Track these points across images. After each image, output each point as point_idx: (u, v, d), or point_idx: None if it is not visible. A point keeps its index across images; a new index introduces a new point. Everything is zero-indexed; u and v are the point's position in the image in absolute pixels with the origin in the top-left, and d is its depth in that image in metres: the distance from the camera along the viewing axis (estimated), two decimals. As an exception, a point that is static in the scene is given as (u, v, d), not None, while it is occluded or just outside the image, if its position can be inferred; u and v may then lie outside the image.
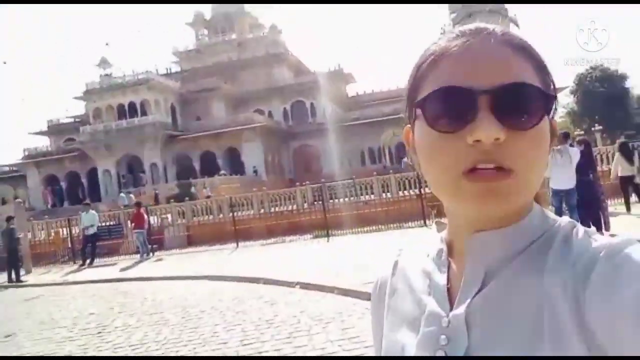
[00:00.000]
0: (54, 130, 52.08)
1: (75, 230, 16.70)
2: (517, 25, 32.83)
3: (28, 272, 14.59)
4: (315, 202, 16.99)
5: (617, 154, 11.11)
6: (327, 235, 14.18)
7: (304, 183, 18.70)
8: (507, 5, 34.46)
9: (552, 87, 0.57)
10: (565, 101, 48.09)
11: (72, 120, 52.03)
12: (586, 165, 8.03)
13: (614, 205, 11.25)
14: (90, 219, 15.24)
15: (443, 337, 0.57)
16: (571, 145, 8.11)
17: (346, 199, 17.12)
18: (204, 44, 59.17)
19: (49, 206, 40.79)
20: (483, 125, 0.51)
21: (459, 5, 33.59)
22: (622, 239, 0.50)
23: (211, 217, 18.02)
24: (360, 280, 7.22)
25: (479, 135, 0.51)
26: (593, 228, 0.57)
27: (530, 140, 0.52)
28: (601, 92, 43.76)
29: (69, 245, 16.83)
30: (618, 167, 10.86)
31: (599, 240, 0.53)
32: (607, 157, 14.22)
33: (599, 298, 0.47)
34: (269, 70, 52.71)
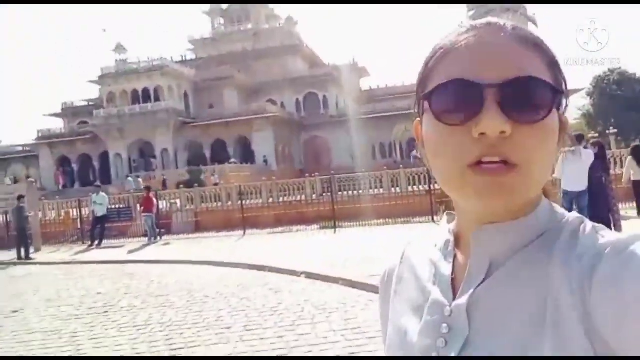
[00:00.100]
0: (68, 112, 52.48)
1: (85, 212, 16.86)
2: (535, 24, 32.49)
3: (37, 250, 14.76)
4: (324, 194, 17.00)
5: (629, 158, 10.98)
6: (335, 227, 14.20)
7: (313, 174, 18.71)
8: (526, 5, 34.10)
9: (563, 82, 0.56)
10: (581, 103, 47.66)
11: (86, 103, 52.41)
12: (599, 168, 7.95)
13: (625, 209, 11.14)
14: (100, 200, 15.38)
15: (445, 325, 0.57)
16: (585, 147, 8.03)
17: (355, 192, 17.10)
18: (219, 33, 59.19)
19: (60, 187, 41.19)
20: (488, 118, 0.50)
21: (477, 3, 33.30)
22: (630, 236, 0.50)
23: (220, 204, 18.09)
24: (366, 273, 7.23)
25: (484, 128, 0.50)
26: (601, 225, 0.56)
27: (537, 135, 0.52)
28: (618, 95, 43.25)
29: (79, 226, 17.00)
30: (630, 172, 10.74)
31: (607, 236, 0.52)
32: (621, 161, 14.07)
33: (605, 294, 0.47)
34: (283, 61, 52.63)
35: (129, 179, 30.21)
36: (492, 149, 0.51)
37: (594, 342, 0.47)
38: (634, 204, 11.13)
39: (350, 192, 17.12)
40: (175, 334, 5.58)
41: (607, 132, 31.57)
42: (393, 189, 16.77)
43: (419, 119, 0.61)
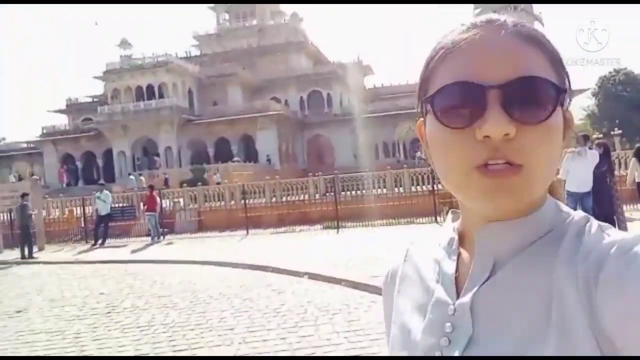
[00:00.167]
0: (73, 108, 52.56)
1: (89, 210, 16.90)
2: (541, 24, 32.37)
3: (41, 249, 14.81)
4: (327, 193, 17.01)
5: (633, 160, 10.93)
6: (338, 227, 14.20)
7: (316, 174, 18.70)
8: (532, 4, 33.96)
9: (566, 79, 0.56)
10: (586, 103, 47.50)
11: (90, 100, 52.51)
12: (604, 169, 7.92)
13: (630, 211, 11.12)
14: (104, 199, 15.41)
15: (448, 324, 0.57)
16: (590, 148, 8.00)
17: (358, 192, 17.09)
18: (224, 29, 59.15)
19: (64, 185, 41.27)
20: (492, 120, 0.50)
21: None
22: (636, 235, 0.50)
23: (223, 203, 18.11)
24: (369, 273, 7.22)
25: (487, 131, 0.50)
26: (608, 224, 0.55)
27: (541, 134, 0.51)
28: (623, 95, 43.09)
29: (82, 225, 17.04)
30: (635, 173, 10.69)
31: (613, 235, 0.52)
32: (625, 162, 14.01)
33: (610, 293, 0.47)
34: (288, 58, 52.58)
35: (131, 176, 30.27)
36: (497, 153, 0.50)
37: (600, 341, 0.47)
38: (639, 206, 11.10)
39: (353, 192, 17.11)
40: (178, 335, 5.59)
41: (612, 133, 31.45)
42: (396, 189, 16.76)
43: (422, 118, 0.61)
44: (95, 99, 51.12)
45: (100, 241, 15.07)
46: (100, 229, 15.28)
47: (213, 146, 44.27)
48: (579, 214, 0.57)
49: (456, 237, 0.63)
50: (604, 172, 7.92)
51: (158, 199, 15.72)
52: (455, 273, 0.61)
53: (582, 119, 47.44)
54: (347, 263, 8.67)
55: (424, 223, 13.44)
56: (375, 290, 6.33)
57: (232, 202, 17.83)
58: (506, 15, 0.56)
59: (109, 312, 6.92)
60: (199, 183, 21.70)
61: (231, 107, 45.71)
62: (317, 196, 17.29)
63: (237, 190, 17.86)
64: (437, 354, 0.57)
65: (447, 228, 0.66)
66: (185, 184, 22.17)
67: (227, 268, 9.58)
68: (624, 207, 9.85)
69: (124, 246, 14.44)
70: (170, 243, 14.49)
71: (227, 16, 60.53)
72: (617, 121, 40.59)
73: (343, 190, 16.92)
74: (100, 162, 46.24)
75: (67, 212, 18.11)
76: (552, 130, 0.52)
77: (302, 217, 15.81)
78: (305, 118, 49.11)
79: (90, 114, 48.35)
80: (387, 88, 54.49)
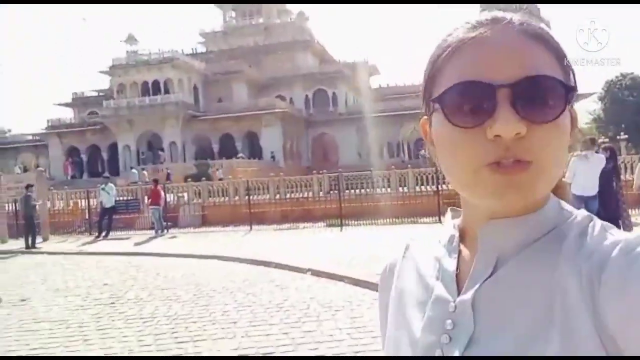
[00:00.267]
0: (78, 102, 52.69)
1: (93, 203, 16.96)
2: (548, 26, 32.23)
3: (45, 239, 14.88)
4: (331, 192, 17.01)
5: (639, 165, 10.89)
6: (341, 225, 14.21)
7: (320, 172, 18.70)
8: (539, 5, 33.78)
9: (572, 76, 0.56)
10: (592, 107, 47.31)
11: (96, 94, 52.64)
12: (611, 173, 7.89)
13: (635, 215, 11.08)
14: (109, 191, 15.45)
15: (449, 321, 0.56)
16: (596, 152, 7.97)
17: (362, 190, 17.08)
18: (230, 27, 59.17)
19: (69, 177, 41.40)
20: (503, 120, 0.50)
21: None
22: (639, 235, 0.50)
23: (227, 198, 18.14)
24: (372, 271, 7.22)
25: (498, 130, 0.50)
26: (610, 224, 0.55)
27: (551, 133, 0.51)
28: (630, 100, 42.89)
29: (86, 217, 17.10)
30: (640, 178, 10.65)
31: (616, 235, 0.52)
32: (631, 167, 13.97)
33: (613, 293, 0.47)
34: (294, 56, 52.52)
35: (133, 170, 30.33)
36: (508, 152, 0.50)
37: (604, 340, 0.47)
38: (644, 210, 11.05)
39: (357, 191, 17.11)
40: (181, 328, 5.61)
41: (618, 137, 31.31)
42: (400, 189, 16.75)
43: (426, 117, 0.60)
44: (101, 93, 51.23)
45: (104, 233, 15.13)
46: (105, 221, 15.34)
47: (217, 142, 44.30)
48: (582, 213, 0.57)
49: (457, 235, 0.63)
50: (610, 176, 7.88)
51: (162, 193, 15.77)
52: (456, 270, 0.60)
53: (588, 122, 47.27)
54: (351, 261, 8.67)
55: (427, 223, 13.42)
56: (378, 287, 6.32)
57: (236, 198, 17.86)
58: (511, 13, 0.56)
59: (112, 303, 6.95)
60: (204, 178, 21.74)
61: (236, 104, 45.72)
62: (321, 194, 17.30)
63: (241, 186, 17.89)
64: (438, 351, 0.56)
65: (447, 226, 0.66)
66: (189, 179, 22.20)
67: (230, 263, 9.60)
68: (630, 212, 9.81)
69: (127, 239, 14.48)
70: (174, 237, 14.53)
71: (233, 14, 60.53)
72: (623, 126, 40.43)
73: (347, 189, 16.92)
74: (105, 155, 46.34)
75: (71, 204, 18.18)
76: (561, 128, 0.52)
77: (306, 215, 15.82)
78: (310, 116, 49.08)
79: (96, 108, 48.42)
80: (393, 88, 54.35)
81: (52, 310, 6.76)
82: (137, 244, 13.21)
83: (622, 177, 10.07)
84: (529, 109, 0.50)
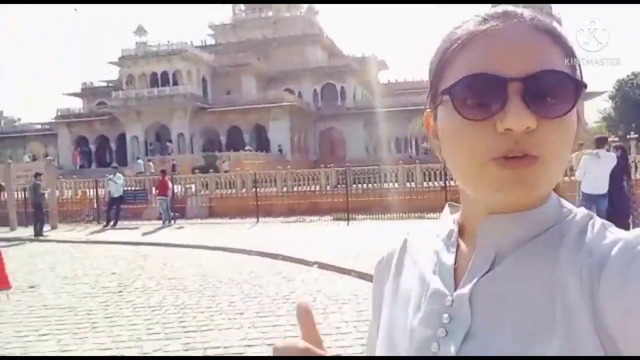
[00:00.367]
0: (88, 92, 53.00)
1: (102, 192, 17.05)
2: (559, 24, 31.96)
3: (54, 228, 14.99)
4: (339, 185, 17.01)
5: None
6: (348, 219, 14.21)
7: (328, 165, 18.69)
8: (551, 4, 33.50)
9: (579, 72, 0.55)
10: (602, 106, 46.94)
11: (105, 84, 52.85)
12: (621, 172, 7.84)
13: (644, 215, 10.99)
14: (117, 181, 15.53)
15: (446, 315, 0.56)
16: (607, 150, 7.91)
17: (369, 185, 17.07)
18: (240, 19, 59.11)
19: (78, 167, 41.64)
20: (514, 113, 0.49)
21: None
22: (638, 234, 0.49)
23: (234, 190, 18.19)
24: (379, 266, 7.21)
25: (509, 123, 0.49)
26: (609, 222, 0.55)
27: (560, 129, 0.51)
28: (641, 99, 42.49)
29: (95, 206, 17.21)
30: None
31: (616, 233, 0.52)
32: (642, 166, 13.86)
33: (612, 291, 0.47)
34: (303, 50, 52.41)
35: (139, 161, 30.48)
36: (517, 145, 0.50)
37: (603, 339, 0.47)
38: (654, 210, 10.96)
39: (364, 185, 17.10)
40: (189, 317, 5.65)
41: (628, 136, 31.01)
42: (408, 184, 16.73)
43: (429, 110, 0.60)
44: (110, 84, 51.45)
45: (112, 223, 15.22)
46: (113, 211, 15.43)
47: (225, 134, 44.39)
48: (581, 211, 0.57)
49: (456, 229, 0.63)
50: (620, 175, 7.83)
51: (170, 184, 15.82)
52: (454, 264, 0.60)
53: (598, 121, 46.95)
54: (357, 255, 8.68)
55: (434, 218, 13.28)
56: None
57: (244, 190, 17.91)
58: (522, 8, 0.56)
59: (120, 292, 7.00)
60: (211, 170, 21.80)
61: (244, 97, 45.75)
62: (329, 187, 17.31)
63: (248, 178, 17.92)
64: (434, 345, 0.56)
65: (446, 220, 0.66)
66: (197, 170, 22.26)
67: (237, 254, 9.64)
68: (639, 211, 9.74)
69: (135, 229, 14.56)
70: (181, 227, 14.59)
71: (242, 7, 60.46)
72: (633, 125, 40.08)
73: (354, 183, 16.91)
74: (113, 145, 46.57)
75: (80, 193, 18.30)
76: (570, 123, 0.52)
77: (313, 208, 15.83)
78: (318, 110, 49.03)
79: (105, 99, 48.66)
80: (401, 84, 54.20)
81: (60, 297, 6.83)
82: (144, 234, 13.28)
83: (632, 176, 10.00)
84: (540, 103, 0.50)
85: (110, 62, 48.27)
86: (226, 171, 23.69)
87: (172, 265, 8.79)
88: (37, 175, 14.48)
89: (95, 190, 17.48)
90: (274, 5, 58.44)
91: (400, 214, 14.19)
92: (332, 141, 47.73)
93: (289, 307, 5.87)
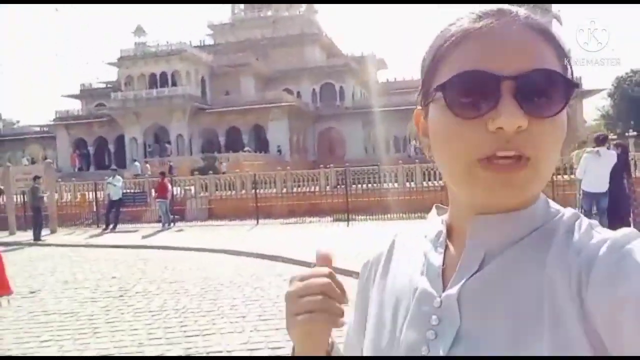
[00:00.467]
0: (86, 94, 52.90)
1: (101, 195, 17.01)
2: (560, 22, 31.97)
3: (53, 231, 14.95)
4: (338, 186, 16.99)
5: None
6: (348, 220, 14.20)
7: (327, 166, 18.68)
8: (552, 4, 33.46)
9: (570, 72, 0.55)
10: (601, 104, 46.98)
11: (104, 85, 52.78)
12: (622, 170, 7.85)
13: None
14: (116, 184, 15.48)
15: (434, 317, 0.56)
16: (608, 149, 7.91)
17: (369, 185, 17.06)
18: (239, 19, 59.05)
19: (76, 169, 41.61)
20: (506, 112, 0.49)
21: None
22: (624, 234, 0.50)
23: (233, 192, 18.17)
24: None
25: (501, 122, 0.49)
26: (596, 221, 0.55)
27: (550, 129, 0.52)
28: (639, 97, 42.53)
29: (94, 209, 17.16)
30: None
31: (603, 232, 0.52)
32: (641, 164, 13.86)
33: (600, 291, 0.47)
34: (301, 49, 52.37)
35: (136, 163, 30.43)
36: (508, 144, 0.50)
37: (592, 339, 0.47)
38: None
39: (364, 185, 17.08)
40: (190, 321, 5.63)
41: (627, 134, 31.01)
42: (408, 184, 16.72)
43: (419, 107, 0.60)
44: (108, 85, 51.39)
45: (111, 226, 15.18)
46: (112, 214, 15.38)
47: (224, 135, 44.35)
48: (568, 211, 0.57)
49: (444, 230, 0.62)
50: (621, 173, 7.83)
51: (169, 186, 15.78)
52: (442, 265, 0.59)
53: (597, 119, 46.99)
54: (357, 256, 8.63)
55: (434, 219, 13.38)
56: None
57: (243, 192, 17.89)
58: (517, 7, 0.56)
59: (121, 296, 6.98)
60: (210, 171, 21.76)
61: (243, 97, 45.72)
62: (328, 188, 17.29)
63: (248, 179, 17.90)
64: (424, 348, 0.55)
65: (434, 221, 0.65)
66: (196, 172, 22.23)
67: (237, 256, 9.62)
68: None
69: (135, 231, 14.54)
70: (181, 230, 14.57)
71: (241, 6, 60.42)
72: (632, 122, 40.09)
73: (354, 184, 16.89)
74: (112, 147, 46.52)
75: (79, 196, 18.24)
76: (561, 123, 0.52)
77: (313, 209, 15.82)
78: (317, 110, 49.00)
79: (104, 100, 48.61)
80: (400, 83, 54.13)
81: (61, 302, 6.80)
82: (144, 237, 13.26)
83: (632, 173, 10.00)
84: (532, 102, 0.50)
85: (109, 63, 48.25)
86: (224, 172, 23.68)
87: (172, 269, 8.78)
88: (36, 178, 14.43)
89: (94, 193, 17.43)
90: (273, 5, 58.39)
91: (401, 214, 14.17)
92: (331, 141, 47.71)
93: (290, 310, 5.84)
